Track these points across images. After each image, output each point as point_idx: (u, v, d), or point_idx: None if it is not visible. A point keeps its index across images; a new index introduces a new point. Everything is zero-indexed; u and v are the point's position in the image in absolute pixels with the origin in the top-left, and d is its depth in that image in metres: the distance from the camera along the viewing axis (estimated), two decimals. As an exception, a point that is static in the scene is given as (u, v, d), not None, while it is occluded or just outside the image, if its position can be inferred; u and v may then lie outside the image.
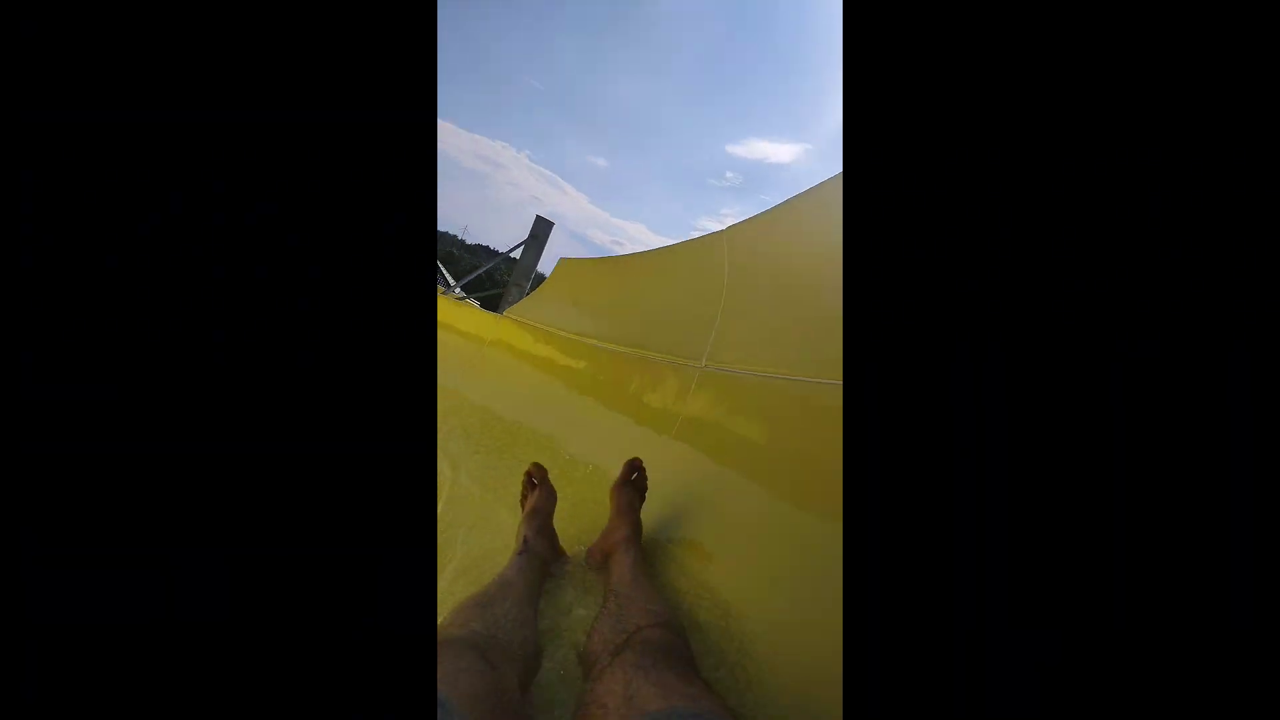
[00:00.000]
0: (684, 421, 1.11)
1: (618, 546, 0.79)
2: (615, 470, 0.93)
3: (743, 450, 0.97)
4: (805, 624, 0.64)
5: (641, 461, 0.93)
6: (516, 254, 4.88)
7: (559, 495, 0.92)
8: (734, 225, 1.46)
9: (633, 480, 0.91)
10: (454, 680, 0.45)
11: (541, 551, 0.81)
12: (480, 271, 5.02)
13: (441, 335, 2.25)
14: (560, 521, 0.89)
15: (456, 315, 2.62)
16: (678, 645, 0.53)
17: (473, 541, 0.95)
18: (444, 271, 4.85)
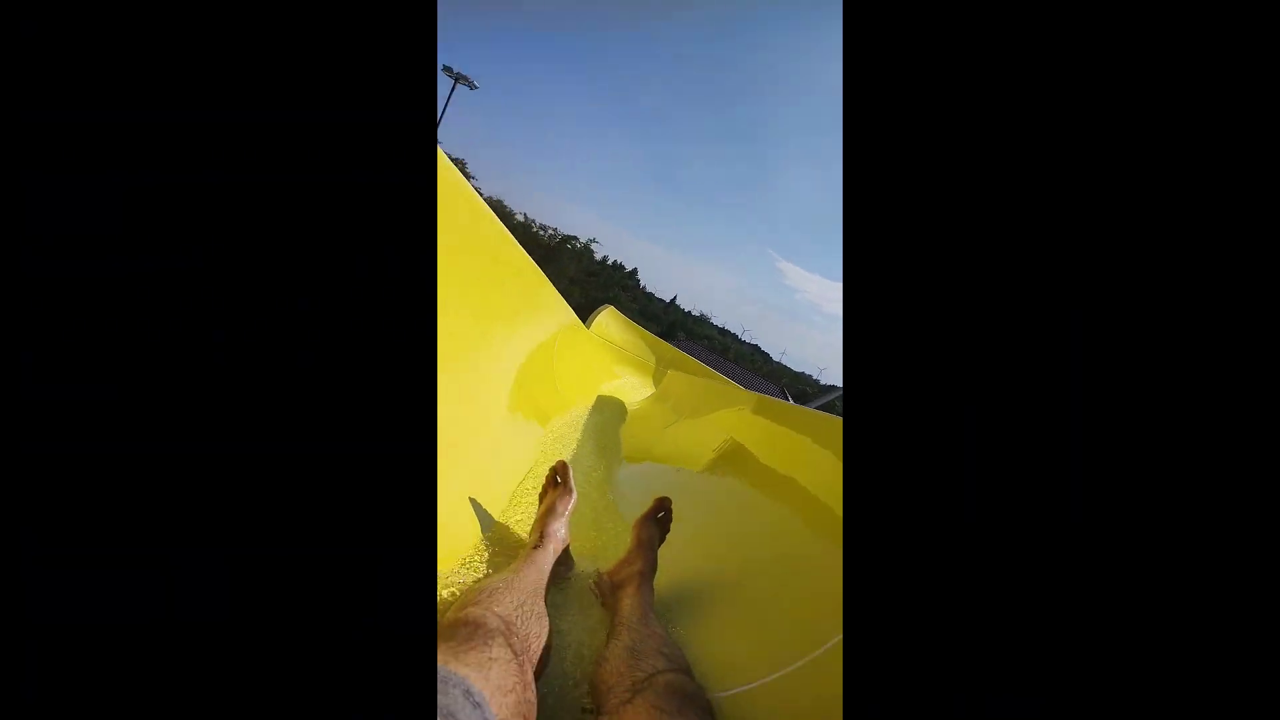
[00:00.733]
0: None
1: (631, 580, 0.78)
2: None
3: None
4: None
5: (670, 501, 0.92)
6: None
7: None
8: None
9: (658, 518, 0.90)
10: (486, 671, 0.43)
11: (557, 549, 0.81)
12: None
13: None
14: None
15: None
16: (698, 694, 0.52)
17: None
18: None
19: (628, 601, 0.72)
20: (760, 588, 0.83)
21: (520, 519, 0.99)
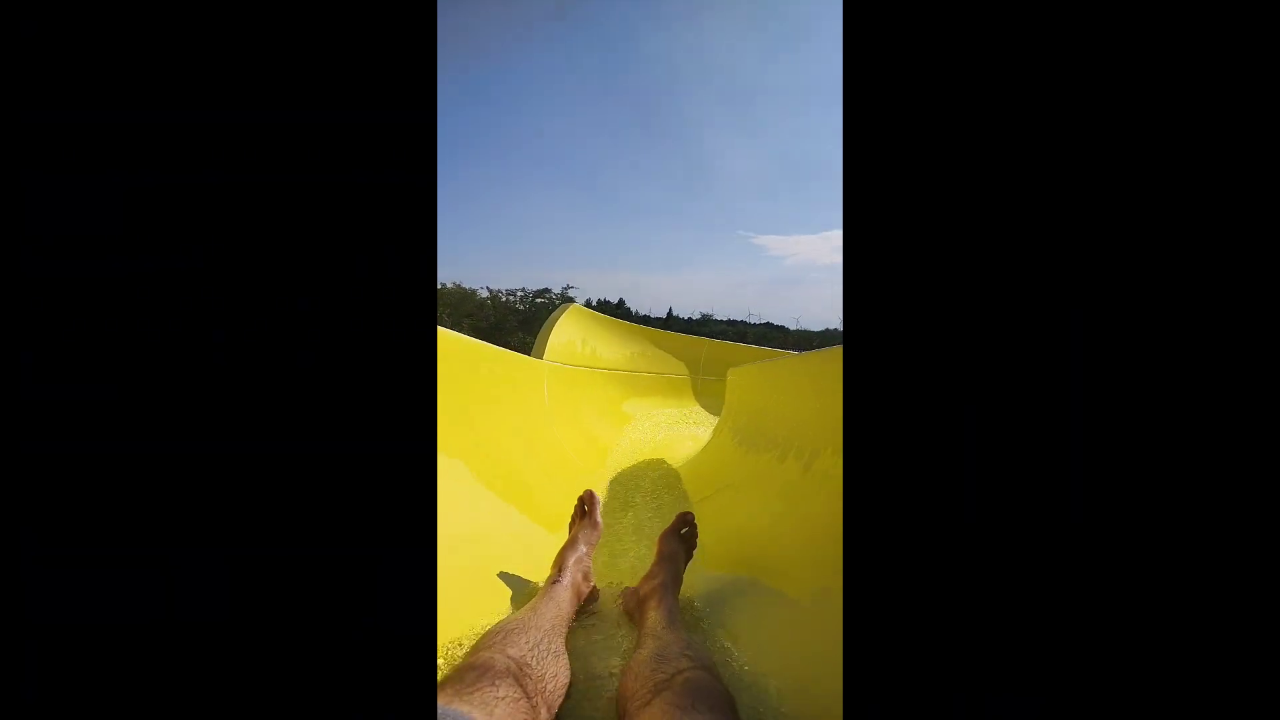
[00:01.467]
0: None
1: (654, 593, 0.77)
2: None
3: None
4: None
5: (694, 517, 0.92)
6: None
7: None
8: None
9: (682, 534, 0.90)
10: (490, 709, 0.43)
11: (576, 583, 0.80)
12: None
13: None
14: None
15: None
16: (719, 689, 0.52)
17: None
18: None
19: (652, 613, 0.72)
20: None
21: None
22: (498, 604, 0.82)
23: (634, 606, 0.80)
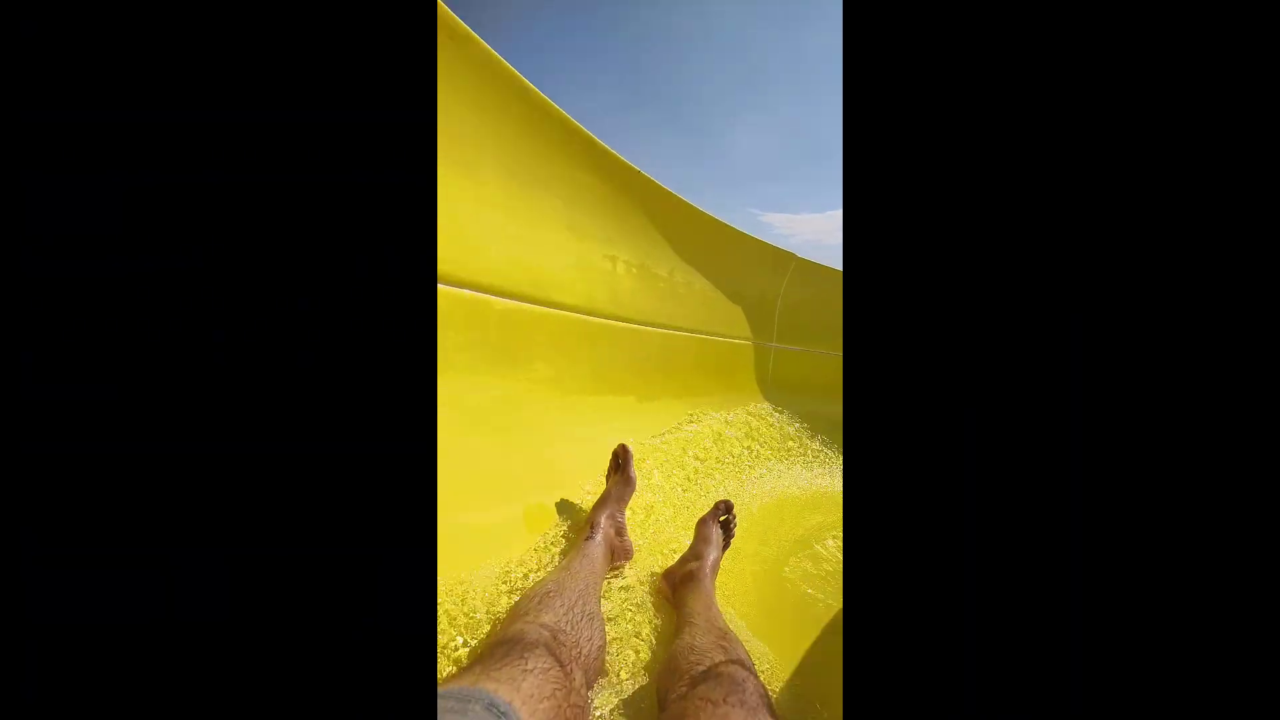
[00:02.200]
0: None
1: (692, 576, 0.78)
2: None
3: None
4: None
5: (731, 504, 0.92)
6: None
7: None
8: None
9: (721, 521, 0.90)
10: (518, 684, 0.43)
11: (609, 540, 0.81)
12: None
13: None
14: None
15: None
16: (753, 683, 0.52)
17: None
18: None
19: (690, 599, 0.72)
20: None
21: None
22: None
23: (671, 589, 0.80)
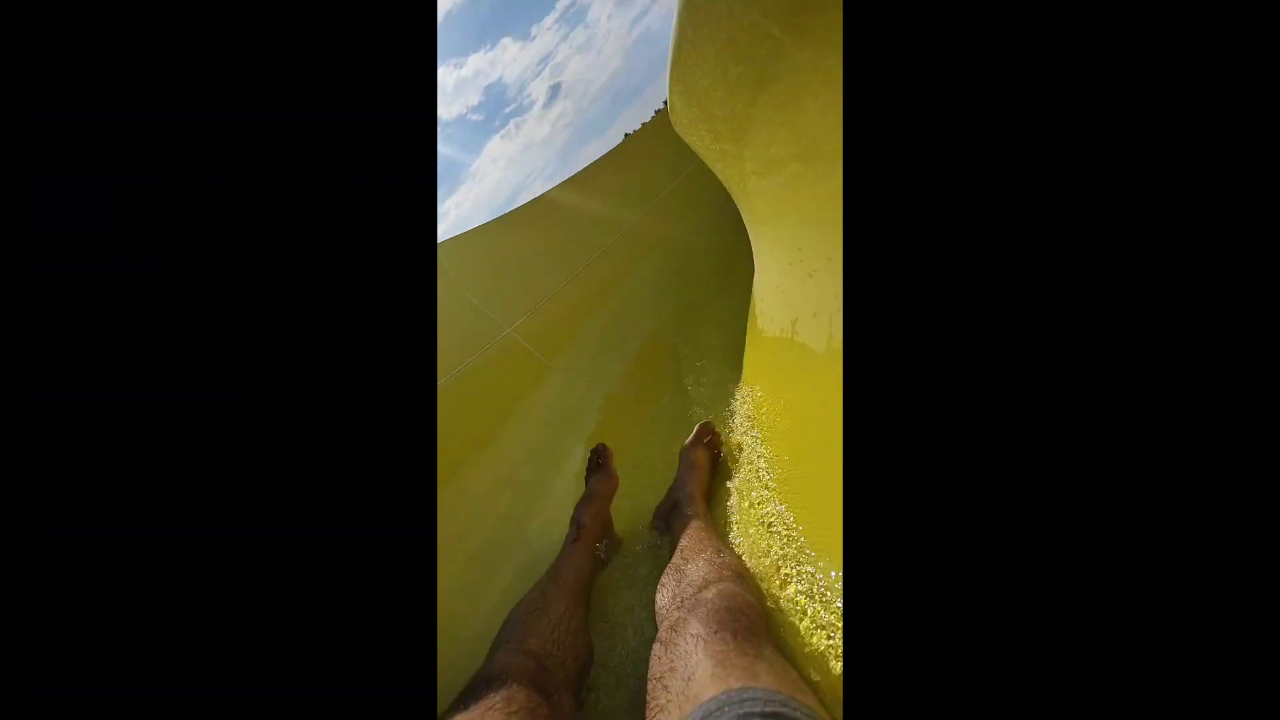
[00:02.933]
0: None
1: (680, 503, 0.77)
2: None
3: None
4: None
5: (712, 425, 0.91)
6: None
7: None
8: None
9: (705, 442, 0.89)
10: None
11: (593, 542, 0.80)
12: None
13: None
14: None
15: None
16: (748, 602, 0.50)
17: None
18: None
19: (680, 525, 0.72)
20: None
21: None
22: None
23: (662, 520, 0.80)
